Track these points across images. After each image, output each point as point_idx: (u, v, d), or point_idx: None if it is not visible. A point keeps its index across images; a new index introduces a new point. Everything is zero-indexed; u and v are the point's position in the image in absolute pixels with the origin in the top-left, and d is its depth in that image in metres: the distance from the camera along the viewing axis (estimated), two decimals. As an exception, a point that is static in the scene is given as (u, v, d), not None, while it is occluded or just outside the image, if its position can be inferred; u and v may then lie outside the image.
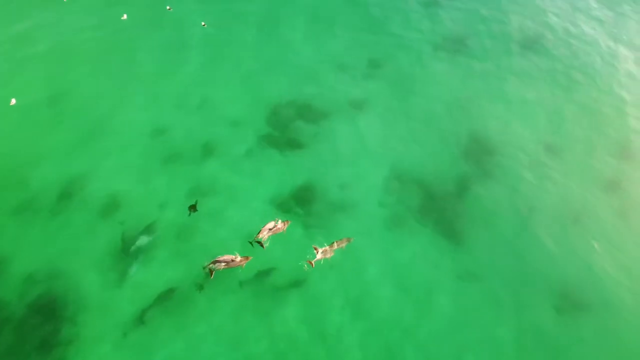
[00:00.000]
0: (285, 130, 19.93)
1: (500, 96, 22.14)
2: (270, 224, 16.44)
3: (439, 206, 18.41)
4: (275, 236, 16.57)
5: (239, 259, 15.77)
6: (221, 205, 17.61)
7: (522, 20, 25.49)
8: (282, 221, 16.71)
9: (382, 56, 22.92)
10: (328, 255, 16.20)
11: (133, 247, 16.41)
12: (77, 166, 18.34)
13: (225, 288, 15.82)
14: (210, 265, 15.63)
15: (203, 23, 23.20)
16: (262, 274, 16.15)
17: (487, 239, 17.90)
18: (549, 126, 21.35)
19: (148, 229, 16.88)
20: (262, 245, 16.23)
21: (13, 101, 19.67)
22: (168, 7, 23.27)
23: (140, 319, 15.03)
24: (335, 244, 16.39)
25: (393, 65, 22.69)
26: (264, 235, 16.30)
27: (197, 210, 17.20)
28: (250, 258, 16.00)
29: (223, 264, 15.62)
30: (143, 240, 16.60)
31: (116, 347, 14.55)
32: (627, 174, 20.12)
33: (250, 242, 16.23)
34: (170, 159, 18.76)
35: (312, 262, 15.99)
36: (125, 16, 22.83)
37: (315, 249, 16.17)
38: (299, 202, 17.94)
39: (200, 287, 15.73)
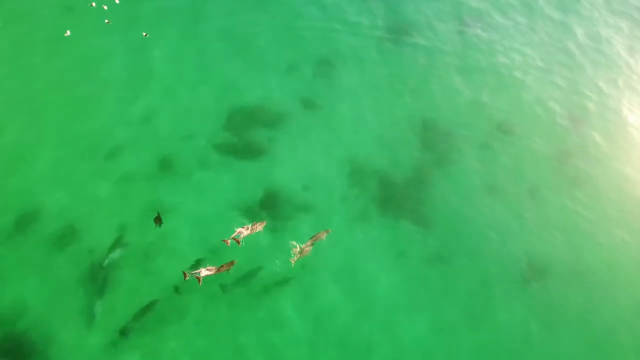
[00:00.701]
0: (240, 136, 19.63)
1: (448, 80, 22.56)
2: (244, 228, 16.36)
3: (401, 194, 18.74)
4: (244, 242, 16.52)
5: (224, 266, 15.85)
6: (185, 218, 17.25)
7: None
8: (258, 222, 16.72)
9: (329, 51, 22.87)
10: (306, 251, 16.36)
11: (99, 274, 15.85)
12: (25, 197, 17.42)
13: (198, 304, 15.64)
14: (196, 273, 15.49)
15: (145, 33, 22.43)
16: (234, 284, 16.12)
17: (450, 221, 18.41)
18: (498, 104, 21.96)
19: (110, 253, 16.31)
20: (238, 242, 16.12)
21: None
22: (107, 21, 22.39)
23: (114, 346, 14.70)
24: (313, 238, 16.60)
25: (341, 60, 22.68)
26: (241, 235, 16.30)
27: (162, 222, 16.73)
28: (235, 262, 16.00)
29: (212, 271, 15.62)
30: (107, 265, 16.08)
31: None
32: (578, 142, 21.03)
33: (225, 240, 16.12)
34: (124, 179, 18.08)
35: (293, 259, 16.19)
36: (68, 32, 21.83)
37: (295, 251, 16.35)
38: (263, 207, 17.83)
39: (174, 306, 15.51)
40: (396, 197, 18.61)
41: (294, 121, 20.30)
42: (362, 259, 17.19)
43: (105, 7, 22.75)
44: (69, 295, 15.55)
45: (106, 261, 16.14)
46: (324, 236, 16.92)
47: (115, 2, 22.99)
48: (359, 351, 15.43)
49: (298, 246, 16.40)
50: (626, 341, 16.46)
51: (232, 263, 16.05)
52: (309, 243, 16.47)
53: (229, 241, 16.27)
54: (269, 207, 17.79)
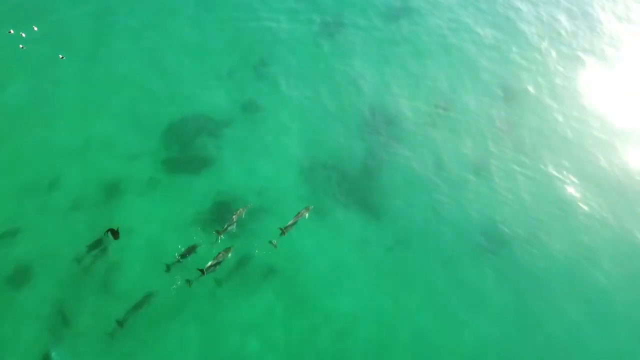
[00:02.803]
0: (186, 149, 19.33)
1: (384, 65, 22.96)
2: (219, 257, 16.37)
3: (355, 185, 19.07)
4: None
5: (222, 255, 16.21)
6: (140, 240, 16.88)
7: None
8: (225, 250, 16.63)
9: (265, 51, 22.76)
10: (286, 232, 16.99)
11: (59, 308, 15.42)
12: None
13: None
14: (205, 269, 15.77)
15: (61, 56, 21.41)
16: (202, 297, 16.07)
17: (404, 205, 18.90)
18: (436, 83, 22.60)
19: (68, 286, 15.85)
20: (202, 272, 16.03)
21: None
22: (21, 46, 21.23)
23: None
24: (297, 216, 17.17)
25: (277, 59, 22.63)
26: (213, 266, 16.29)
27: (119, 235, 16.36)
28: (232, 248, 16.49)
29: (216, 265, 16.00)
30: (67, 298, 15.64)
31: None
32: (516, 113, 21.91)
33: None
34: (71, 210, 17.47)
35: (274, 242, 16.83)
36: None
37: (281, 229, 16.89)
38: (220, 218, 17.61)
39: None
40: (350, 188, 18.90)
41: (239, 126, 20.19)
42: (325, 254, 17.43)
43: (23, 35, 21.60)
44: (28, 334, 15.00)
45: (65, 295, 15.68)
46: (306, 214, 17.46)
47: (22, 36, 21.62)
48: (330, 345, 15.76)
49: (281, 229, 16.82)
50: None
51: (229, 249, 16.38)
52: (292, 222, 17.01)
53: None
54: (225, 216, 17.55)
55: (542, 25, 25.67)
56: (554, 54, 24.40)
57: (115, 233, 16.55)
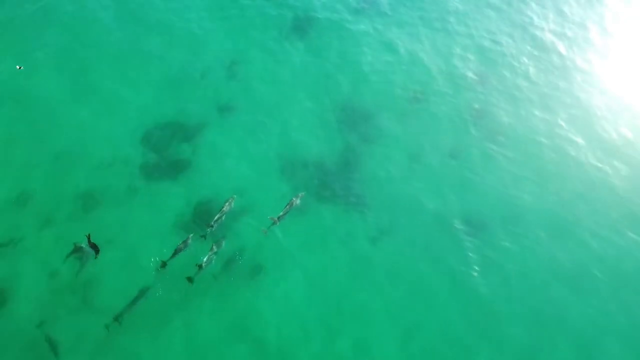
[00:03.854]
0: (162, 155, 18.97)
1: (356, 58, 22.79)
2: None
3: (337, 180, 18.94)
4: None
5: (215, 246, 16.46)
6: (122, 249, 16.62)
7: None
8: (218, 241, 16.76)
9: (234, 49, 22.48)
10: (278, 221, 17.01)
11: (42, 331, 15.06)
12: None
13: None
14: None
15: (18, 66, 20.84)
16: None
17: (384, 197, 18.83)
18: (407, 73, 22.49)
19: (48, 306, 15.50)
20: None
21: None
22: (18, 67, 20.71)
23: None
24: (289, 205, 17.21)
25: (249, 57, 22.36)
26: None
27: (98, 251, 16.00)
28: (225, 238, 16.77)
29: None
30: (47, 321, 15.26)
31: None
32: (487, 98, 21.92)
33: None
34: (47, 224, 17.05)
35: (266, 230, 16.96)
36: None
37: (272, 219, 16.95)
38: (201, 220, 17.38)
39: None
40: (330, 183, 18.79)
41: (214, 129, 19.88)
42: (310, 250, 17.37)
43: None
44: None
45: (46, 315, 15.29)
46: (298, 201, 17.46)
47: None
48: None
49: (274, 218, 16.88)
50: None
51: (222, 240, 16.71)
52: (284, 211, 17.00)
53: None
54: (207, 219, 17.26)
55: (512, 10, 25.65)
56: (526, 38, 24.42)
57: (94, 247, 16.13)
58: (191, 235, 16.63)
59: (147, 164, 18.73)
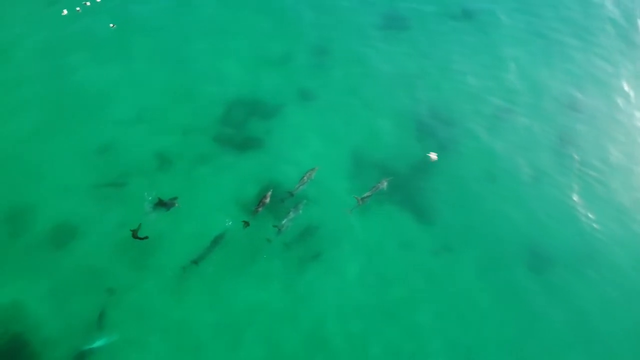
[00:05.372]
0: (239, 130, 19.25)
1: (447, 65, 22.19)
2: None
3: (406, 185, 18.35)
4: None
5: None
6: (185, 214, 16.86)
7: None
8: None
9: (325, 41, 22.51)
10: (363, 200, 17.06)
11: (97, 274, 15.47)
12: (18, 194, 17.02)
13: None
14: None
15: (112, 24, 21.86)
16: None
17: (453, 210, 18.06)
18: (498, 89, 21.60)
19: (106, 251, 15.97)
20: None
21: None
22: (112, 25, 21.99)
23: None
24: (373, 189, 17.20)
25: (337, 49, 22.30)
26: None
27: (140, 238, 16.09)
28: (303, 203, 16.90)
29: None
30: (105, 262, 15.71)
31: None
32: (579, 127, 20.60)
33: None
34: (121, 177, 17.69)
35: (350, 210, 17.05)
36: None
37: (357, 198, 17.03)
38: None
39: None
40: (399, 187, 18.20)
41: (292, 113, 19.96)
42: (369, 250, 16.92)
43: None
44: (69, 297, 15.16)
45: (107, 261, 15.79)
46: (384, 185, 17.49)
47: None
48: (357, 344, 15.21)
49: (358, 199, 16.92)
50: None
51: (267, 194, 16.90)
52: (369, 192, 17.09)
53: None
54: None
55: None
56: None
57: (165, 204, 16.47)
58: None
59: (223, 136, 19.05)
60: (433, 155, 18.43)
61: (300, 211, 16.86)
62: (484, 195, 18.40)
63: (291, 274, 16.10)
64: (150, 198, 16.85)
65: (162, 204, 16.43)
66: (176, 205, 16.44)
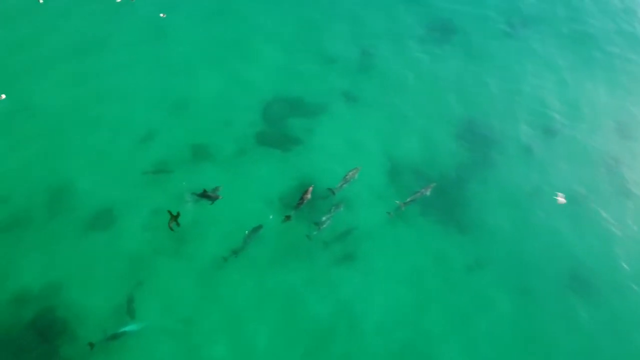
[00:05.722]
0: (278, 127, 19.23)
1: (491, 79, 21.71)
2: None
3: (443, 196, 17.99)
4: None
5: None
6: (222, 204, 16.74)
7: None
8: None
9: (369, 47, 22.28)
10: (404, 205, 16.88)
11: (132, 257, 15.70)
12: (60, 175, 17.33)
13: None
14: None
15: (162, 14, 22.04)
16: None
17: (489, 226, 17.63)
18: (543, 106, 21.02)
19: (144, 237, 16.15)
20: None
21: (3, 96, 18.41)
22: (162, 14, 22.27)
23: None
24: (416, 194, 17.01)
25: (381, 55, 22.06)
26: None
27: (179, 225, 16.14)
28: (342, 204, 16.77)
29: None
30: (142, 248, 15.90)
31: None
32: (625, 150, 19.90)
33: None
34: (158, 164, 17.89)
35: (391, 214, 16.90)
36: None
37: (399, 203, 16.91)
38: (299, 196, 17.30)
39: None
40: (436, 197, 17.83)
41: (333, 114, 19.82)
42: (400, 261, 16.65)
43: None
44: (103, 277, 15.40)
45: (138, 244, 15.98)
46: (428, 192, 17.23)
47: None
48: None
49: (401, 203, 16.81)
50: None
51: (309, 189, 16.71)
52: (411, 198, 16.87)
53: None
54: (313, 197, 17.08)
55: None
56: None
57: (209, 196, 16.43)
58: (312, 187, 16.84)
59: (263, 131, 19.06)
60: (561, 198, 17.88)
61: (341, 210, 16.77)
62: (522, 212, 17.92)
63: (326, 274, 16.01)
64: (188, 188, 16.95)
65: (205, 195, 16.39)
66: (220, 197, 16.41)
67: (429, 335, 15.25)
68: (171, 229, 15.84)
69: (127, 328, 14.33)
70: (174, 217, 15.84)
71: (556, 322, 15.85)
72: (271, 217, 16.60)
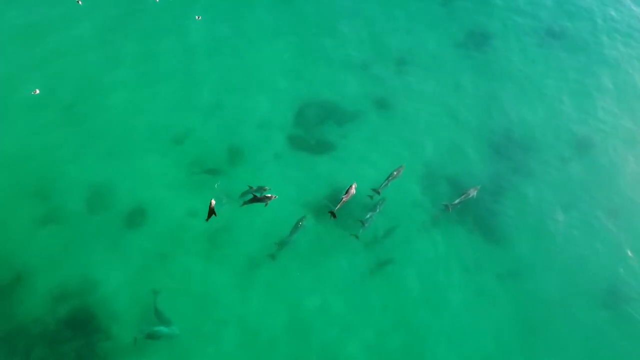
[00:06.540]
0: (312, 131, 19.26)
1: (530, 89, 21.43)
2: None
3: (477, 205, 17.83)
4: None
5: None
6: (255, 208, 16.48)
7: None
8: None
9: (405, 52, 22.19)
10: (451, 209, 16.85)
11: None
12: (98, 173, 17.53)
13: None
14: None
15: (197, 16, 22.12)
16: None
17: (524, 237, 17.50)
18: (581, 117, 20.69)
19: (178, 237, 16.29)
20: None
21: (37, 91, 18.78)
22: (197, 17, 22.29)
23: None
24: (463, 196, 16.85)
25: (419, 60, 21.97)
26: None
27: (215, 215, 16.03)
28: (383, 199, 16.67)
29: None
30: (175, 248, 16.06)
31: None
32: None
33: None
34: (194, 165, 18.01)
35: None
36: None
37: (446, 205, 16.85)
38: (331, 203, 17.27)
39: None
40: (470, 206, 17.71)
41: (367, 121, 19.76)
42: (431, 269, 16.61)
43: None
44: (137, 275, 15.58)
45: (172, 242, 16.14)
46: (474, 192, 17.08)
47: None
48: None
49: (446, 205, 16.77)
50: None
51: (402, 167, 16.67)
52: (459, 200, 16.76)
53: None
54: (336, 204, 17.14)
55: None
56: None
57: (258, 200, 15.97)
58: (355, 183, 16.19)
59: (297, 134, 19.11)
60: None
61: (381, 208, 16.72)
62: (557, 226, 17.72)
63: (360, 279, 16.20)
64: (222, 189, 17.05)
65: (257, 200, 15.61)
66: (274, 196, 15.54)
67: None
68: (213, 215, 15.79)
69: (163, 328, 14.43)
70: (212, 210, 15.87)
71: (591, 338, 15.63)
72: (305, 216, 16.51)
